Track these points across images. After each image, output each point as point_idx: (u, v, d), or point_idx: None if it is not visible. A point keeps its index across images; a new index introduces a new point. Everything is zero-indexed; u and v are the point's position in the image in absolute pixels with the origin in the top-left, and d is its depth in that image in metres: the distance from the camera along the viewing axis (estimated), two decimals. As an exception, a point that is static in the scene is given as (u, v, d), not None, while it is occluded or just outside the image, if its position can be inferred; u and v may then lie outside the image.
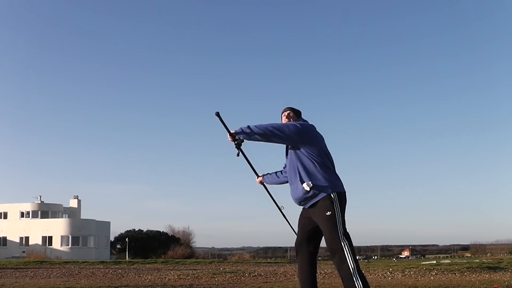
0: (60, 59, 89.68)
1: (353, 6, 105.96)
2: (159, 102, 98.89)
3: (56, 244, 51.16)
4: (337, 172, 4.53)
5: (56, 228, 51.68)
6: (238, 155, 4.50)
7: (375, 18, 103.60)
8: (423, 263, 18.19)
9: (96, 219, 53.94)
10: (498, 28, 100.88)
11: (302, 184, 4.41)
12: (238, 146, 4.44)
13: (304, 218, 4.62)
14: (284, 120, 4.70)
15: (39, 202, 55.02)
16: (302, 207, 4.59)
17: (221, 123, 4.41)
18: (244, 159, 4.67)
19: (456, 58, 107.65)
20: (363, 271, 4.40)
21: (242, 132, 4.38)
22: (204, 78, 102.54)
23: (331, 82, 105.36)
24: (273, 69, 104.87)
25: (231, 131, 4.38)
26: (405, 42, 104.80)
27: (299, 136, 4.44)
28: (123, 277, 12.24)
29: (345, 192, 4.46)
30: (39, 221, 52.90)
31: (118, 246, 63.29)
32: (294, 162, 4.52)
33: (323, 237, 4.52)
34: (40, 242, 51.20)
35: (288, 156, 4.61)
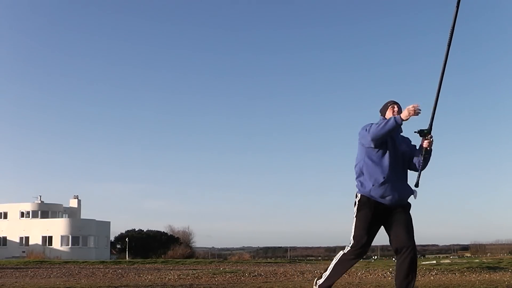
0: (60, 57, 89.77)
1: (352, 4, 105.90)
2: (160, 101, 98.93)
3: (56, 244, 51.19)
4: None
5: (56, 228, 51.71)
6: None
7: (374, 16, 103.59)
8: (423, 263, 18.18)
9: (96, 219, 53.98)
10: (498, 25, 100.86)
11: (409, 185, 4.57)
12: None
13: None
14: (391, 111, 4.60)
15: (39, 202, 55.04)
16: (375, 205, 4.50)
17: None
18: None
19: (456, 57, 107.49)
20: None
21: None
22: (205, 76, 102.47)
23: (330, 80, 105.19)
24: (274, 65, 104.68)
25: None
26: (404, 39, 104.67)
27: None
28: (123, 277, 12.24)
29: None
30: (39, 221, 52.92)
31: (118, 246, 63.32)
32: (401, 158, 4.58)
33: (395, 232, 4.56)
34: (40, 242, 51.24)
35: (393, 149, 4.50)
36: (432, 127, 4.42)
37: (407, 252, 4.41)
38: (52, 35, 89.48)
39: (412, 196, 4.54)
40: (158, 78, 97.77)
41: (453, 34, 4.22)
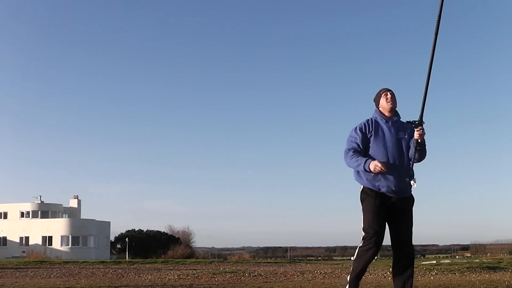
0: (60, 57, 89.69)
1: (349, 2, 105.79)
2: (160, 101, 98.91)
3: (56, 244, 51.19)
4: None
5: (56, 228, 51.72)
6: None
7: (371, 13, 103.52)
8: (423, 263, 18.20)
9: (96, 219, 53.99)
10: (498, 22, 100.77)
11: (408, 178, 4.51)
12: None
13: None
14: (384, 99, 4.65)
15: (39, 202, 55.05)
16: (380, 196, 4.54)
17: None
18: None
19: (456, 55, 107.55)
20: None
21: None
22: (204, 76, 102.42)
23: (328, 77, 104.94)
24: (271, 61, 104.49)
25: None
26: (404, 36, 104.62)
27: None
28: (123, 277, 12.24)
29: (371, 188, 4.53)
30: (39, 221, 52.92)
31: (118, 246, 63.33)
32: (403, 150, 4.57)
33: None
34: (40, 242, 51.24)
35: (390, 138, 4.55)
36: (423, 119, 4.39)
37: (404, 251, 4.46)
38: (53, 29, 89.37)
39: (412, 184, 4.49)
40: (158, 79, 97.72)
41: (440, 23, 4.19)
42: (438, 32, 4.20)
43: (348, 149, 4.59)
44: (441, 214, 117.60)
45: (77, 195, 59.61)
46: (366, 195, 4.51)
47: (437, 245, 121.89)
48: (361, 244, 4.49)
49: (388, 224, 4.54)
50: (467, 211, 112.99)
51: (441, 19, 4.19)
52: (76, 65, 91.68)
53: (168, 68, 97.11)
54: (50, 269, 16.37)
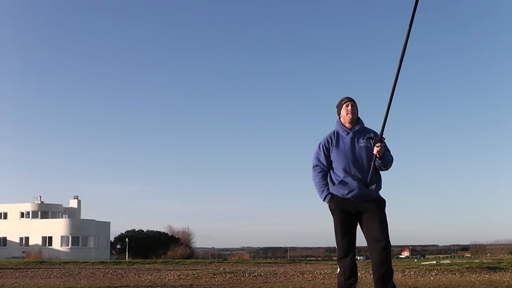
0: (59, 59, 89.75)
1: (352, 6, 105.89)
2: (159, 102, 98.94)
3: (56, 244, 51.15)
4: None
5: (56, 228, 51.67)
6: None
7: (374, 18, 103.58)
8: (423, 263, 18.16)
9: (96, 219, 53.96)
10: (498, 28, 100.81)
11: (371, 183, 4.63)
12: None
13: None
14: (345, 110, 4.73)
15: (39, 202, 55.00)
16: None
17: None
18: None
19: (456, 58, 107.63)
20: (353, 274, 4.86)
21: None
22: (203, 78, 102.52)
23: (331, 83, 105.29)
24: (271, 68, 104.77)
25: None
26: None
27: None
28: (123, 277, 12.24)
29: (337, 196, 4.66)
30: (39, 221, 52.88)
31: (118, 246, 63.30)
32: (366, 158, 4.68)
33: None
34: (40, 242, 51.20)
35: (350, 148, 4.66)
36: (383, 135, 4.50)
37: (379, 247, 4.58)
38: (49, 38, 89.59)
39: (372, 188, 4.61)
40: (157, 81, 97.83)
41: (406, 47, 4.32)
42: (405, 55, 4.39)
43: (314, 166, 4.81)
44: (441, 214, 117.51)
45: (77, 195, 59.66)
46: (334, 206, 4.65)
47: (437, 245, 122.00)
48: (337, 260, 4.85)
49: (360, 226, 4.69)
50: (467, 211, 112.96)
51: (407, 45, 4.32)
52: (75, 71, 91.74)
53: (167, 76, 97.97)
54: (50, 269, 16.37)
